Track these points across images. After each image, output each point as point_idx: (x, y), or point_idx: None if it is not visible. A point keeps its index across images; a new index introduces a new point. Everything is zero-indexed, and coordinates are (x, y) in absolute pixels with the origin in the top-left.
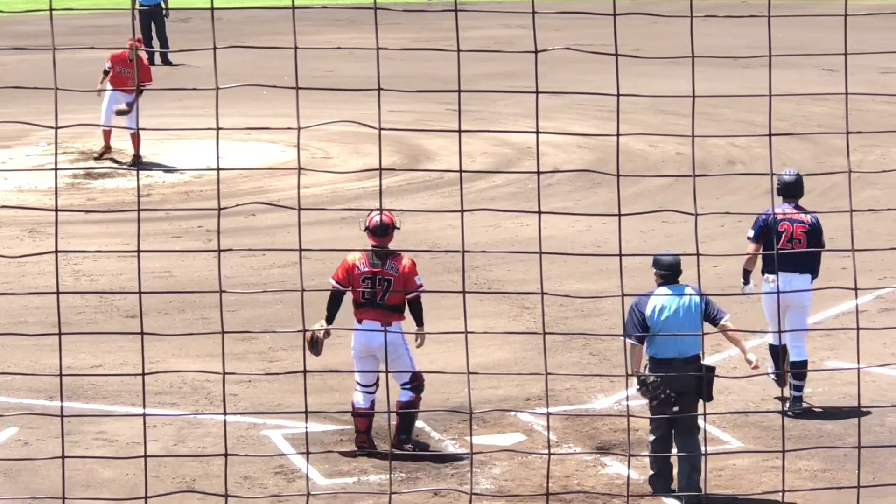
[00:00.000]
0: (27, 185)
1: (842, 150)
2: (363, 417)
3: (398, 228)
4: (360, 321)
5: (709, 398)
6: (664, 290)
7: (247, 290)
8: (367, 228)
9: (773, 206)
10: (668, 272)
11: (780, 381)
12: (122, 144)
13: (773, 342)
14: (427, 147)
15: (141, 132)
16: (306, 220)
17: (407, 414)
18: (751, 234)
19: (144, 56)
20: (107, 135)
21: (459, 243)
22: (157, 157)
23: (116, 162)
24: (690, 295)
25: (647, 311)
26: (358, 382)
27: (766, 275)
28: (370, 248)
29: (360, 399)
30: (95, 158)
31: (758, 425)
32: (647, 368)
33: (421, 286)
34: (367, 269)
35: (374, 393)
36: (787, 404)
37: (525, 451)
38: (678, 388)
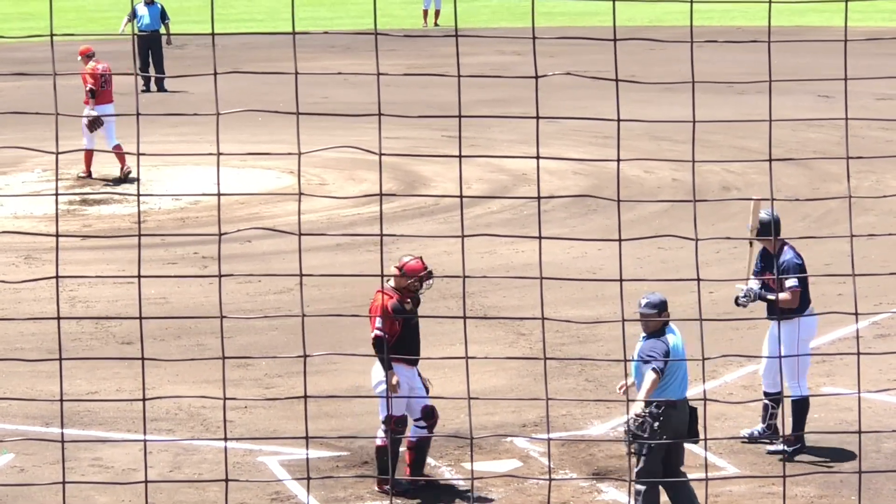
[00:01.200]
0: (22, 212)
1: (836, 177)
2: (411, 452)
3: (400, 270)
4: None
5: (697, 437)
6: (669, 330)
7: (247, 317)
8: None
9: (775, 243)
10: (666, 311)
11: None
12: (118, 170)
13: (804, 392)
14: (423, 173)
15: (127, 151)
16: (302, 246)
17: (377, 454)
18: (795, 282)
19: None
20: (89, 157)
21: (455, 269)
22: (153, 184)
23: (117, 181)
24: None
25: (670, 349)
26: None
27: (811, 307)
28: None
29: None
30: (79, 177)
31: (753, 451)
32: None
33: (375, 330)
34: None
35: (421, 428)
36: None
37: (525, 477)
38: (675, 430)
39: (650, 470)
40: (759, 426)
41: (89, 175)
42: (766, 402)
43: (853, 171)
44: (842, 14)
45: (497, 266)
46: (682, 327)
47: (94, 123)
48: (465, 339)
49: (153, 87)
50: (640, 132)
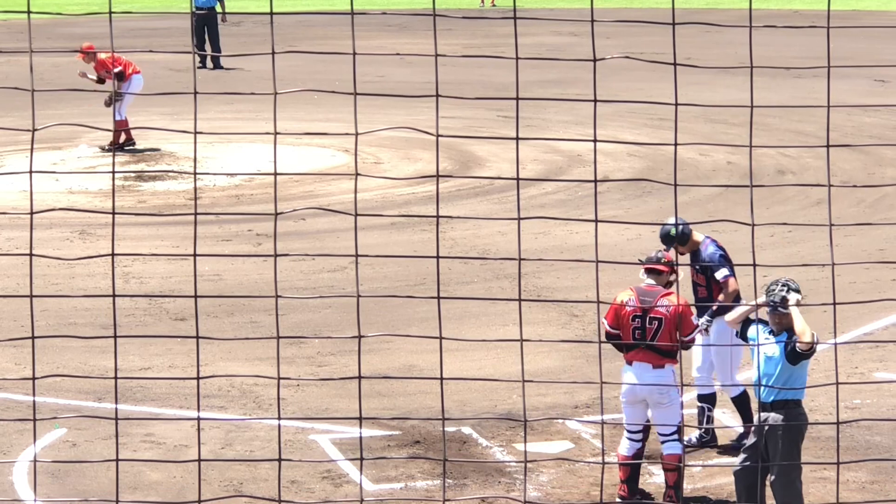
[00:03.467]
0: (78, 187)
1: (892, 161)
2: (625, 466)
3: (675, 271)
4: (629, 363)
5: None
6: None
7: (302, 296)
8: (641, 261)
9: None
10: None
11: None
12: (173, 147)
13: (739, 388)
14: (477, 153)
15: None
16: (357, 225)
17: (678, 470)
18: (726, 271)
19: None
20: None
21: (508, 250)
22: (208, 161)
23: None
24: None
25: None
26: (625, 428)
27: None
28: (643, 285)
29: (623, 447)
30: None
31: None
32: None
33: (697, 326)
34: (635, 307)
35: (639, 441)
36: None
37: (576, 459)
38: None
39: (798, 465)
40: (696, 432)
41: (126, 142)
42: (701, 405)
43: None
44: None
45: (551, 247)
46: None
47: (111, 99)
48: (521, 321)
49: (209, 63)
50: (696, 115)
